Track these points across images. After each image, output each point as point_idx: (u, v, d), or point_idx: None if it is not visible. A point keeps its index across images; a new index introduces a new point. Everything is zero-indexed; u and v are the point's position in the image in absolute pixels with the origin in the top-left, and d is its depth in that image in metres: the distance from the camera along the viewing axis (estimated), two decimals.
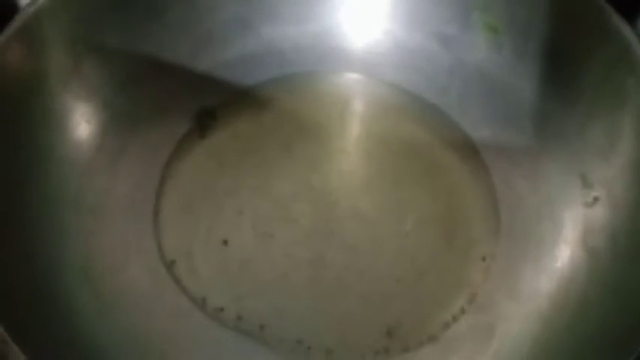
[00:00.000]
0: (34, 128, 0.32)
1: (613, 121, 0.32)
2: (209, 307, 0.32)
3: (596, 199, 0.32)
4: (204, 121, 0.38)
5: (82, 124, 0.34)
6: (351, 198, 0.36)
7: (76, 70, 0.33)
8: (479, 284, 0.33)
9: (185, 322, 0.31)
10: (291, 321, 0.32)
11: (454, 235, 0.35)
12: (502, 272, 0.34)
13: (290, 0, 0.39)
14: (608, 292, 0.30)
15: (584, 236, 0.32)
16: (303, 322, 0.32)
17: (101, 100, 0.35)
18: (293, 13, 0.39)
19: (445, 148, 0.38)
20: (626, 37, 0.31)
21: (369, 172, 0.37)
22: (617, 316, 0.29)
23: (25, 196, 0.31)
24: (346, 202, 0.36)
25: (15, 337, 0.24)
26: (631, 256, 0.30)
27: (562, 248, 0.33)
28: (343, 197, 0.36)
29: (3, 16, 0.31)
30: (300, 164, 0.37)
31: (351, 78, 0.40)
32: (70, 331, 0.28)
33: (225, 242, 0.34)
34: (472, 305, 0.33)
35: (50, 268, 0.30)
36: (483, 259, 0.34)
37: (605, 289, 0.30)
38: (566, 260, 0.32)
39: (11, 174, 0.30)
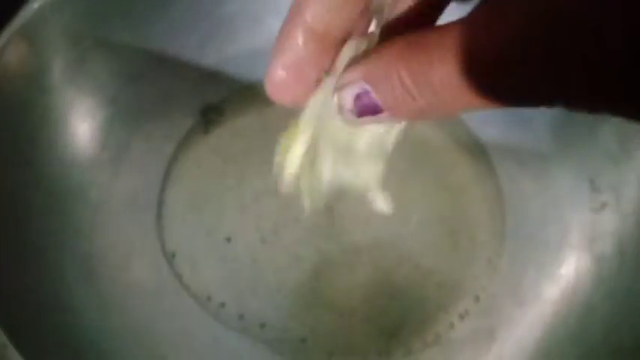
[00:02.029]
0: (38, 124, 0.32)
1: (623, 125, 0.32)
2: (211, 306, 0.32)
3: (604, 205, 0.32)
4: (210, 117, 0.38)
5: (87, 119, 0.34)
6: (355, 197, 0.36)
7: (81, 65, 0.33)
8: (483, 287, 0.33)
9: (187, 320, 0.32)
10: (293, 321, 0.32)
11: (460, 236, 0.35)
12: (507, 275, 0.33)
13: None
14: (612, 300, 0.29)
15: (590, 242, 0.32)
16: (305, 322, 0.32)
17: (106, 95, 0.35)
18: None
19: (453, 147, 0.38)
20: None
21: None
22: (621, 324, 0.28)
23: (27, 192, 0.31)
24: (351, 201, 0.36)
25: (14, 338, 0.24)
26: (636, 263, 0.29)
27: (567, 253, 0.32)
28: (348, 196, 0.36)
29: (7, 10, 0.31)
30: None
31: None
32: (72, 331, 0.29)
33: (228, 239, 0.34)
34: (475, 308, 0.33)
35: (52, 265, 0.30)
36: (489, 261, 0.34)
37: (609, 296, 0.30)
38: (571, 265, 0.32)
39: (14, 170, 0.30)
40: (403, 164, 0.37)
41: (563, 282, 0.32)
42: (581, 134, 0.34)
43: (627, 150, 0.31)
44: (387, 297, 0.33)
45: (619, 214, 0.31)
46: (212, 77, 0.38)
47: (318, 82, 0.19)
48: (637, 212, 0.30)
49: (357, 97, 0.18)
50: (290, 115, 0.38)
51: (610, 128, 0.32)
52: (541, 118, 0.36)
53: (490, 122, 0.38)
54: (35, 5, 0.31)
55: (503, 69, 0.15)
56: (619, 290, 0.29)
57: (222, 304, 0.32)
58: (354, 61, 0.18)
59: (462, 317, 0.32)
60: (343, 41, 0.19)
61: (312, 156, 0.21)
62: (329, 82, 0.19)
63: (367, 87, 0.18)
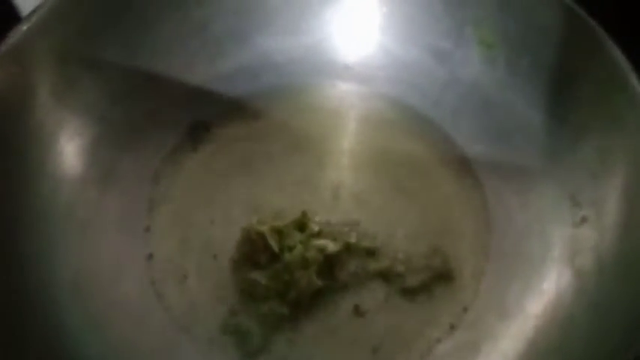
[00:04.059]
0: (26, 142, 0.32)
1: (604, 140, 0.32)
2: (196, 324, 0.32)
3: (584, 219, 0.32)
4: (198, 133, 0.38)
5: (75, 137, 0.34)
6: (342, 211, 0.36)
7: (69, 84, 0.34)
8: (468, 301, 0.33)
9: (172, 339, 0.32)
10: (277, 337, 0.32)
11: (445, 251, 0.35)
12: (491, 290, 0.34)
13: (283, 12, 0.39)
14: (593, 314, 0.30)
15: (571, 256, 0.32)
16: (289, 337, 0.32)
17: (94, 113, 0.35)
18: (286, 26, 0.39)
19: (438, 162, 0.38)
20: (616, 58, 0.31)
21: (361, 186, 0.37)
22: (602, 338, 0.29)
23: (15, 210, 0.31)
24: (338, 215, 0.36)
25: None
26: (616, 278, 0.29)
27: (550, 267, 0.33)
28: (335, 211, 0.36)
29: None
30: (293, 177, 0.37)
31: (345, 90, 0.40)
32: (57, 346, 0.29)
33: (215, 257, 0.34)
34: (460, 322, 0.33)
35: (40, 282, 0.30)
36: (473, 275, 0.34)
37: (590, 310, 0.30)
38: (553, 280, 0.32)
39: (3, 187, 0.31)
40: (390, 179, 0.38)
41: (545, 296, 0.32)
42: (562, 149, 0.34)
43: (607, 166, 0.32)
44: (372, 312, 0.33)
45: (598, 228, 0.31)
46: (200, 94, 0.39)
47: None
48: (616, 227, 0.30)
49: None
50: (278, 132, 0.38)
51: (590, 143, 0.33)
52: (525, 134, 0.36)
53: (476, 138, 0.38)
54: (24, 27, 0.31)
55: None
56: (599, 304, 0.29)
57: (208, 322, 0.32)
58: None
59: (446, 332, 0.32)
60: None
61: None
62: None
63: None
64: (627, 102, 0.31)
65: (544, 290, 0.32)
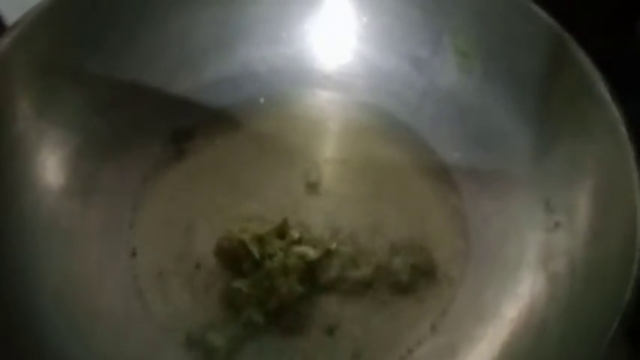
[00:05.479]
0: (9, 153, 0.32)
1: (575, 148, 0.33)
2: (179, 334, 0.33)
3: (557, 225, 0.33)
4: (181, 143, 0.39)
5: (57, 148, 0.35)
6: (322, 219, 0.37)
7: (51, 95, 0.34)
8: (446, 305, 0.34)
9: (155, 348, 0.32)
10: (256, 348, 0.33)
11: (424, 255, 0.36)
12: (469, 293, 0.34)
13: (264, 23, 0.40)
14: (566, 318, 0.30)
15: (545, 260, 0.33)
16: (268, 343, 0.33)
17: (77, 124, 0.35)
18: (267, 36, 0.40)
19: (417, 168, 0.39)
20: (586, 70, 0.32)
21: (341, 193, 0.38)
22: (575, 343, 0.29)
23: None
24: (318, 222, 0.37)
25: None
26: (588, 282, 0.30)
27: (524, 271, 0.33)
28: (316, 219, 0.37)
29: None
30: (274, 186, 0.38)
31: (325, 99, 0.41)
32: (40, 354, 0.29)
33: (197, 265, 0.35)
34: (439, 326, 0.33)
35: (23, 292, 0.30)
36: (451, 280, 0.35)
37: (563, 314, 0.30)
38: (528, 284, 0.33)
39: None
40: (370, 186, 0.38)
41: (520, 300, 0.33)
42: (537, 157, 0.35)
43: (578, 172, 0.32)
44: (353, 316, 0.34)
45: (571, 233, 0.32)
46: (182, 104, 0.39)
47: None
48: (587, 232, 0.31)
49: None
50: (260, 141, 0.39)
51: (562, 150, 0.34)
52: (501, 141, 0.37)
53: (454, 145, 0.39)
54: (6, 40, 0.32)
55: None
56: (571, 309, 0.30)
57: (191, 332, 0.33)
58: None
59: (425, 336, 0.33)
60: None
61: None
62: None
63: None
64: (596, 110, 0.32)
65: (519, 294, 0.33)
